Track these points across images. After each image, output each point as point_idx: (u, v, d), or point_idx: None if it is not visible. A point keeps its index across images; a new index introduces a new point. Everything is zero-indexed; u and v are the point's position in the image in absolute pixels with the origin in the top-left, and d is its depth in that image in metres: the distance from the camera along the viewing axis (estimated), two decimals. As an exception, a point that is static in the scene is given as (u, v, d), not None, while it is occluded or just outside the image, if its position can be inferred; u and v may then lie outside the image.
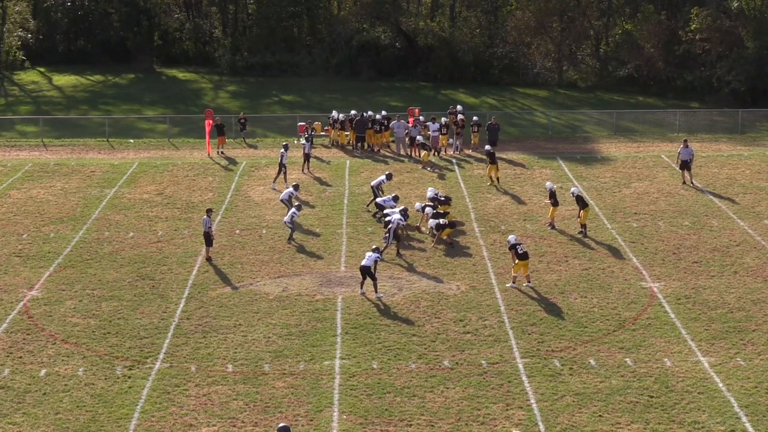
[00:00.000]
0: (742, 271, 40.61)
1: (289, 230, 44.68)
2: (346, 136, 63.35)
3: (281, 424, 26.76)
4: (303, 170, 56.00)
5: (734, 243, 43.97)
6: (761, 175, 55.31)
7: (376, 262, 38.39)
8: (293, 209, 45.04)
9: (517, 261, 38.94)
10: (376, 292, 38.26)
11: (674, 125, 68.48)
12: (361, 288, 38.61)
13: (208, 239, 42.39)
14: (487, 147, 55.41)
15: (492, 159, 53.43)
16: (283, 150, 54.36)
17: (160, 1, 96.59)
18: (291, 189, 48.09)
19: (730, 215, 47.90)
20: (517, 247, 38.94)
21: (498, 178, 53.26)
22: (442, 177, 55.44)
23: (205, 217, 42.77)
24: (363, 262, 38.38)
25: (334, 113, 64.45)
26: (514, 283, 39.11)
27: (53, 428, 28.87)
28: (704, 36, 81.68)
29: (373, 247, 39.71)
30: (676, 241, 44.33)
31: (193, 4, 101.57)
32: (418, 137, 59.45)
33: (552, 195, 46.06)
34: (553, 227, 45.94)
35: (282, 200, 47.73)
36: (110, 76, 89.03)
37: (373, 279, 38.27)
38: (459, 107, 65.29)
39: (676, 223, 46.87)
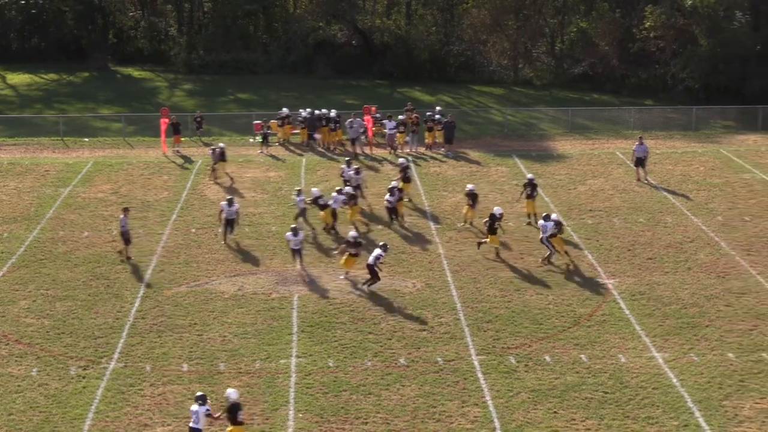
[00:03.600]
0: (696, 267, 40.89)
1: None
2: (296, 134, 63.35)
3: (198, 393, 27.52)
4: (221, 173, 54.86)
5: (688, 239, 44.27)
6: (715, 171, 55.71)
7: (377, 258, 38.53)
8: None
9: (347, 257, 39.64)
10: (367, 285, 38.67)
11: (629, 122, 68.82)
12: (370, 284, 38.96)
13: (126, 238, 42.16)
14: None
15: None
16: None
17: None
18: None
19: (684, 212, 48.21)
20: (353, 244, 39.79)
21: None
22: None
23: (122, 216, 42.60)
24: (369, 260, 38.86)
25: (284, 110, 64.32)
26: (347, 275, 39.82)
27: (6, 429, 28.66)
28: (658, 34, 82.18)
29: (380, 243, 39.87)
30: (631, 237, 44.58)
31: (148, 2, 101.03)
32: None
33: (528, 186, 46.64)
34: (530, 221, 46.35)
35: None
36: (65, 75, 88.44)
37: (373, 275, 38.52)
38: (438, 108, 65.18)
39: (631, 219, 47.13)
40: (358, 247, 39.73)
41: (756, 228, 45.67)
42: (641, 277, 39.89)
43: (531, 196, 46.31)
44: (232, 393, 27.53)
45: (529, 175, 47.48)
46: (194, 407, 27.22)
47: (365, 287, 38.73)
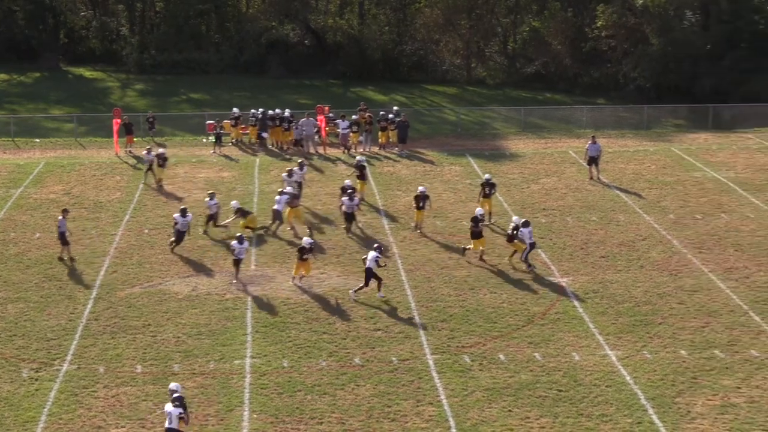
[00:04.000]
0: (648, 265, 41.14)
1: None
2: (246, 134, 63.17)
3: (176, 395, 27.36)
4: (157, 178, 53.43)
5: (640, 237, 44.54)
6: (666, 170, 56.08)
7: (376, 261, 37.80)
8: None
9: (298, 262, 38.89)
10: (378, 290, 37.85)
11: (581, 121, 69.16)
12: (358, 288, 38.04)
13: (63, 240, 41.86)
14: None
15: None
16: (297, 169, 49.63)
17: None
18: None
19: (637, 210, 48.51)
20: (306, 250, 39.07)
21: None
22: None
23: (60, 217, 42.28)
24: (366, 264, 37.93)
25: (235, 110, 64.09)
26: (300, 280, 39.25)
27: (-42, 433, 28.45)
28: (610, 33, 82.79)
29: (375, 245, 39.42)
30: (584, 236, 44.80)
31: (99, 2, 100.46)
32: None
33: (486, 186, 46.27)
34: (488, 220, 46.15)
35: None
36: (15, 75, 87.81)
37: (377, 279, 37.79)
38: (395, 108, 64.46)
39: (584, 218, 47.36)
40: (309, 252, 39.43)
41: (707, 226, 46.03)
42: (594, 275, 40.10)
43: (488, 195, 46.36)
44: (174, 386, 27.83)
45: (486, 175, 47.48)
46: (168, 408, 27.03)
47: (354, 294, 37.95)
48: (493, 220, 46.21)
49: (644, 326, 35.13)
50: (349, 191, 45.71)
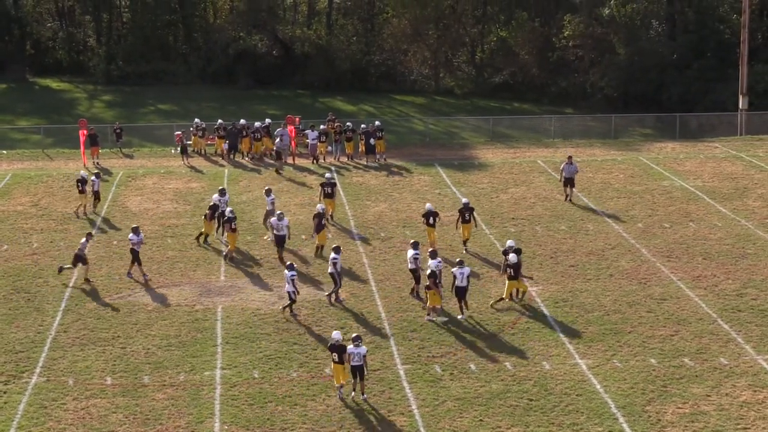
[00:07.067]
0: (618, 273, 41.25)
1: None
2: (209, 145, 62.95)
3: (354, 335, 31.34)
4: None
5: (609, 246, 44.67)
6: (634, 179, 56.30)
7: (468, 279, 36.88)
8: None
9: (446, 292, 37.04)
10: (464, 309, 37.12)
11: (549, 131, 69.39)
12: (462, 314, 37.01)
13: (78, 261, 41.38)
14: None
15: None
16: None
17: (32, 10, 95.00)
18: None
19: (605, 219, 48.65)
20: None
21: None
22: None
23: (83, 240, 41.89)
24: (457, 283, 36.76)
25: (197, 121, 63.89)
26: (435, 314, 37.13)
27: (-74, 447, 28.24)
28: (577, 42, 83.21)
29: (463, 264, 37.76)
30: (553, 245, 44.89)
31: (66, 13, 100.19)
32: None
33: (465, 212, 43.91)
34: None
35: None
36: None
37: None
38: (377, 123, 62.45)
39: (553, 227, 47.46)
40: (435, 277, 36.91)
41: (675, 234, 46.23)
42: (564, 284, 40.18)
43: (467, 221, 43.89)
44: (335, 334, 31.11)
45: (464, 200, 45.39)
46: (351, 349, 30.37)
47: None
48: (468, 247, 44.41)
49: (614, 335, 35.23)
50: (412, 242, 39.48)
